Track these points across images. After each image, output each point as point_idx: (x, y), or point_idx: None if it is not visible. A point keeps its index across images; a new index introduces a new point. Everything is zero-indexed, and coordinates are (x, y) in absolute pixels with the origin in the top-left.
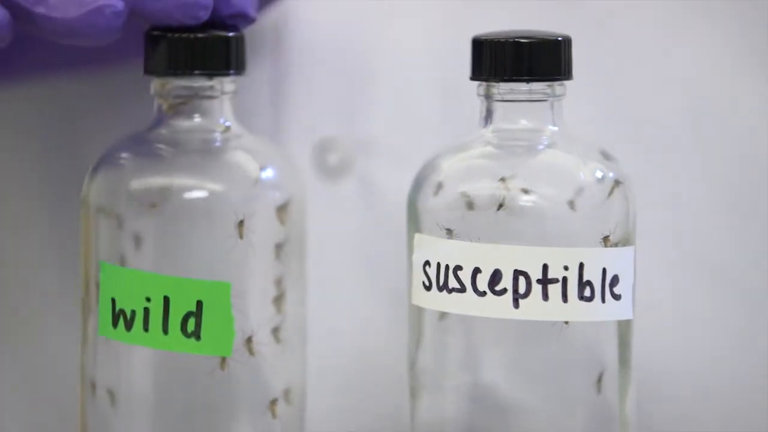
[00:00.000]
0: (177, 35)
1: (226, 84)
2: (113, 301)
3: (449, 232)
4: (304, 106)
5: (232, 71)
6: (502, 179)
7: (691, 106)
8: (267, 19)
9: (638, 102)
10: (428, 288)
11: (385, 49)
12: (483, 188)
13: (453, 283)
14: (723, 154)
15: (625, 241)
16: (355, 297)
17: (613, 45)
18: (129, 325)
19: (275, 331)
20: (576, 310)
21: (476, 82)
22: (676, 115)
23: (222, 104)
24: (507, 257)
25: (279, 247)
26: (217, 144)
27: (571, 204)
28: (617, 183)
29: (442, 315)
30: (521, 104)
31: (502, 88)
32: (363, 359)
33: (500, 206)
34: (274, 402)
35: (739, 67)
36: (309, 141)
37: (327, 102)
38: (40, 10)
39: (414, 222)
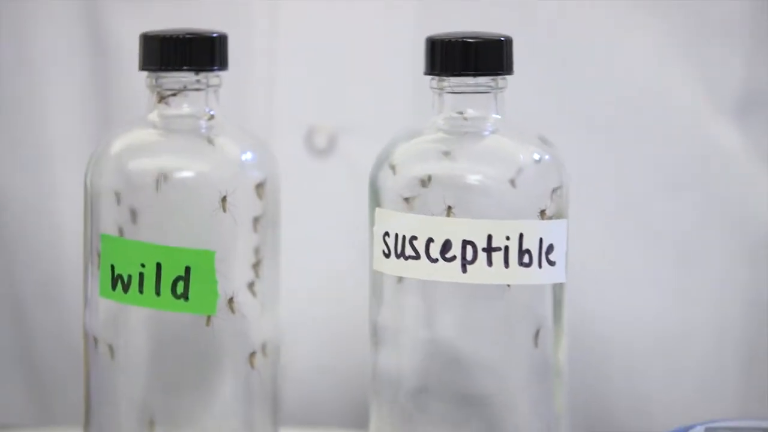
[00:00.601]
0: (168, 36)
1: (211, 78)
2: (112, 267)
3: (407, 201)
4: (294, 95)
5: (216, 67)
6: (446, 153)
7: (629, 93)
8: (259, 19)
9: (583, 91)
10: (387, 256)
11: (364, 47)
12: (434, 168)
13: (409, 251)
14: (657, 134)
15: (559, 215)
16: (336, 259)
17: (561, 42)
18: (126, 288)
19: (253, 292)
20: (516, 274)
21: (430, 77)
22: (616, 102)
23: (207, 96)
24: (456, 228)
25: (257, 220)
26: (203, 130)
27: (512, 182)
28: (552, 164)
29: (400, 279)
30: (468, 95)
31: (451, 82)
32: (342, 316)
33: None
34: (252, 354)
35: (669, 58)
36: (299, 126)
37: (314, 92)
38: None
39: (375, 198)
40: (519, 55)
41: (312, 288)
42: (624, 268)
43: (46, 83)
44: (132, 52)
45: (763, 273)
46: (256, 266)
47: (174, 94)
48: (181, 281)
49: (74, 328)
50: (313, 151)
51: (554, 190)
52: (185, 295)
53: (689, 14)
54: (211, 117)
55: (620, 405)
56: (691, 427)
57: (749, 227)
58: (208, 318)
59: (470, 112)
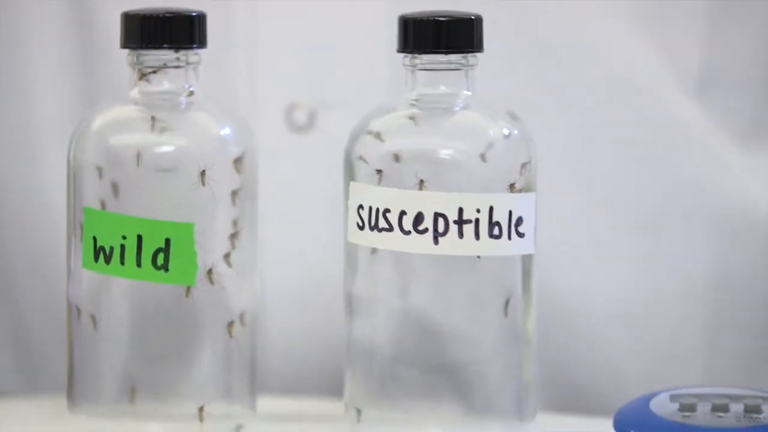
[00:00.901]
0: (148, 14)
1: (191, 56)
2: (94, 239)
3: (380, 175)
4: (274, 73)
5: (195, 45)
6: (418, 128)
7: (596, 71)
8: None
9: (551, 69)
10: (361, 228)
11: (342, 27)
12: (407, 143)
13: (382, 223)
14: (623, 109)
15: (528, 188)
16: (315, 231)
17: (529, 22)
18: (108, 260)
19: (231, 263)
20: (487, 246)
21: (403, 55)
22: (583, 79)
23: (187, 73)
24: (428, 202)
25: (235, 194)
26: (183, 106)
27: (483, 157)
28: (521, 139)
29: (373, 251)
30: (440, 73)
31: (423, 59)
32: (321, 287)
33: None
34: (231, 324)
35: (633, 37)
36: (280, 102)
37: (294, 70)
38: None
39: (349, 172)
40: (489, 34)
41: (292, 260)
42: (592, 239)
43: (32, 61)
44: (117, 31)
45: (727, 243)
46: (234, 238)
47: (154, 72)
48: (161, 253)
49: (62, 299)
50: (294, 127)
51: (523, 165)
52: (165, 267)
53: None
54: (191, 93)
55: (589, 374)
56: (656, 394)
57: (713, 199)
58: (188, 289)
59: (442, 89)
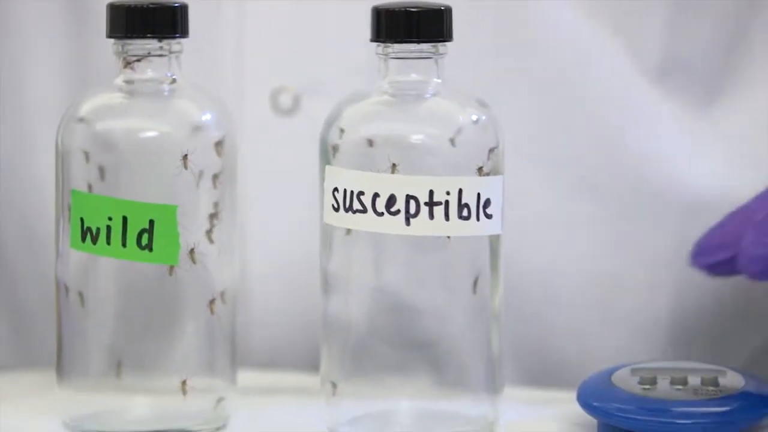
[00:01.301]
0: (133, 5)
1: (173, 45)
2: (81, 220)
3: (355, 158)
4: (261, 60)
5: (178, 34)
6: (390, 114)
7: (561, 58)
8: None
9: (520, 57)
10: (336, 210)
11: (325, 16)
12: (380, 128)
13: (357, 205)
14: (587, 95)
15: (495, 171)
16: (298, 210)
17: (499, 12)
18: (94, 240)
19: (212, 243)
20: (456, 227)
21: (375, 44)
22: (549, 66)
23: (170, 61)
24: (400, 184)
25: (216, 177)
26: (166, 93)
27: (452, 141)
28: (489, 124)
29: (348, 231)
30: (411, 61)
31: (395, 48)
32: (302, 265)
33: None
34: (212, 301)
35: (595, 25)
36: (266, 86)
37: (279, 57)
38: None
39: (325, 156)
40: (459, 24)
41: (274, 238)
42: (561, 218)
43: (26, 46)
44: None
45: (689, 224)
46: (214, 219)
47: (139, 60)
48: (145, 233)
49: (52, 275)
50: (278, 111)
51: (491, 149)
52: (149, 247)
53: None
54: (173, 81)
55: (558, 346)
56: (618, 367)
57: (675, 182)
58: (171, 268)
59: (413, 77)
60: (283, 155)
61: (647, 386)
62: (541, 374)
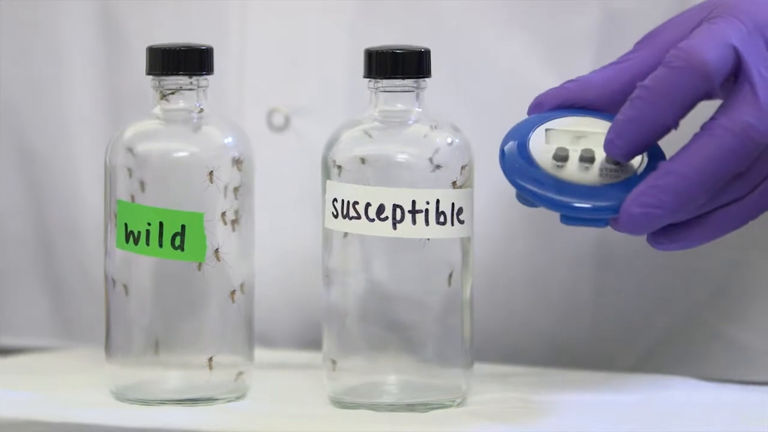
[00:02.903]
0: (168, 48)
1: (201, 80)
2: (126, 225)
3: (350, 174)
4: (258, 85)
5: (204, 72)
6: (379, 137)
7: (513, 91)
8: (232, 22)
9: (481, 90)
10: (335, 216)
11: (314, 45)
12: (371, 149)
13: (352, 213)
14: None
15: (467, 185)
16: (295, 216)
17: (463, 55)
18: (136, 241)
19: (233, 244)
20: (434, 230)
21: (367, 80)
22: (506, 98)
23: (198, 94)
24: (388, 195)
25: (236, 189)
26: (195, 120)
27: (431, 160)
28: (462, 146)
29: (345, 234)
30: (397, 94)
31: (384, 83)
32: (302, 261)
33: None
34: (233, 292)
35: (536, 62)
36: (262, 108)
37: (274, 82)
38: None
39: (326, 172)
40: (434, 63)
41: (276, 239)
42: (504, 224)
43: (68, 73)
44: (134, 48)
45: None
46: (235, 224)
47: (172, 93)
48: (178, 236)
49: (93, 272)
50: (273, 128)
51: (463, 166)
52: (181, 247)
53: (552, 26)
54: (201, 110)
55: (506, 327)
56: (534, 125)
57: None
58: (199, 264)
59: (398, 106)
60: (276, 164)
61: (560, 164)
62: (495, 352)
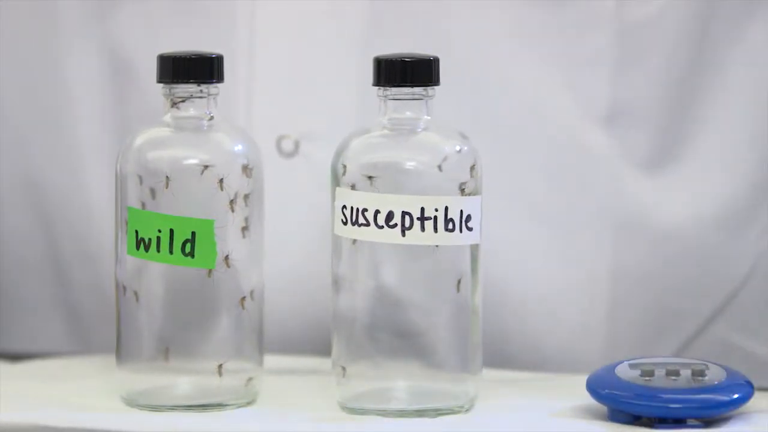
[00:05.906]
0: (178, 56)
1: (211, 89)
2: (136, 232)
3: (360, 181)
4: (268, 112)
5: (214, 80)
6: (388, 145)
7: (521, 107)
8: (240, 51)
9: (489, 105)
10: (345, 223)
11: (321, 71)
12: (381, 157)
13: (361, 220)
14: (542, 137)
15: (475, 192)
16: (302, 231)
17: (473, 67)
18: (147, 248)
19: (243, 251)
20: (443, 237)
21: (377, 87)
22: (512, 113)
23: (208, 102)
24: (397, 202)
25: (246, 196)
26: (205, 128)
27: (439, 167)
28: (470, 153)
29: (354, 241)
30: (406, 101)
31: (393, 91)
32: (309, 270)
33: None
34: (243, 299)
35: (551, 79)
36: (271, 133)
37: (283, 109)
38: None
39: (335, 180)
40: (443, 73)
41: (282, 252)
42: (517, 239)
43: (76, 98)
44: (139, 71)
45: (624, 245)
46: (245, 231)
47: (183, 101)
48: (188, 243)
49: (103, 276)
50: (282, 153)
51: (471, 174)
52: (192, 254)
53: (565, 42)
54: (211, 118)
55: (518, 341)
56: (617, 363)
57: (614, 209)
58: (209, 271)
59: (407, 114)
60: (287, 187)
61: (647, 378)
62: (506, 359)
